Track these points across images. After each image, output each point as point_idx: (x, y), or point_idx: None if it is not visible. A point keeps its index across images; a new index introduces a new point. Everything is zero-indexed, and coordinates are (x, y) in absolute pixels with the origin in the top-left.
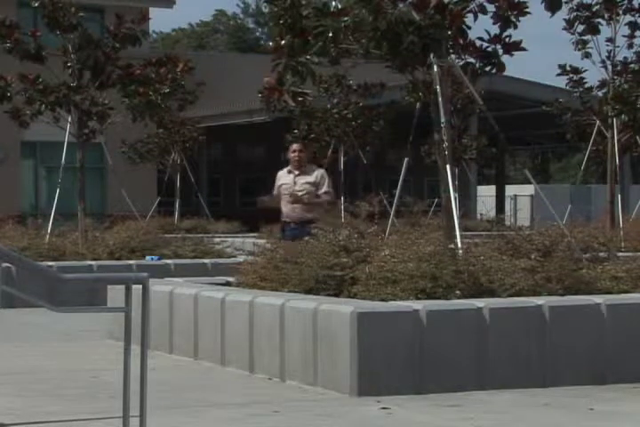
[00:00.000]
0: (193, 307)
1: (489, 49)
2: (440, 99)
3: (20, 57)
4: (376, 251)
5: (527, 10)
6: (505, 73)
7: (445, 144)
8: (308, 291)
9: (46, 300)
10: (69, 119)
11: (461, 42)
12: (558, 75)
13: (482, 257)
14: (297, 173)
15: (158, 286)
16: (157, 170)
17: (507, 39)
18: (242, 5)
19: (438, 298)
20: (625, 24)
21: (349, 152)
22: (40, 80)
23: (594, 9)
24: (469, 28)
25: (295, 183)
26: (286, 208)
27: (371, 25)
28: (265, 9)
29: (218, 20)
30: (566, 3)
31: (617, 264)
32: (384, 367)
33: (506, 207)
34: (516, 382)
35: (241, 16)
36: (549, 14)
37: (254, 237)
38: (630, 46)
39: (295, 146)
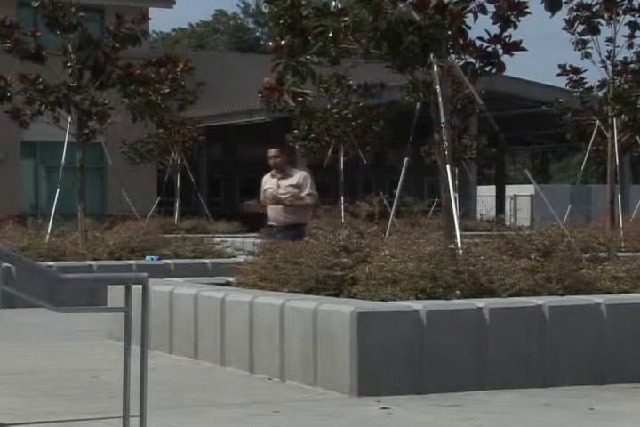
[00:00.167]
0: (193, 307)
1: (489, 49)
2: (440, 99)
3: (20, 57)
4: (376, 251)
5: (527, 10)
6: (505, 73)
7: (445, 144)
8: (308, 291)
9: (46, 300)
10: (69, 119)
11: (461, 42)
12: (558, 75)
13: (482, 257)
14: (279, 176)
15: (158, 286)
16: (157, 170)
17: (507, 39)
18: (242, 5)
19: (438, 298)
20: (625, 24)
21: (349, 152)
22: (40, 80)
23: (594, 9)
24: (469, 28)
25: (279, 186)
26: (272, 212)
27: (371, 25)
28: (265, 9)
29: (218, 20)
30: (566, 3)
31: (617, 264)
32: (384, 367)
33: (506, 207)
34: (516, 382)
35: (241, 16)
36: (549, 14)
37: (254, 237)
38: (630, 46)
39: (272, 151)
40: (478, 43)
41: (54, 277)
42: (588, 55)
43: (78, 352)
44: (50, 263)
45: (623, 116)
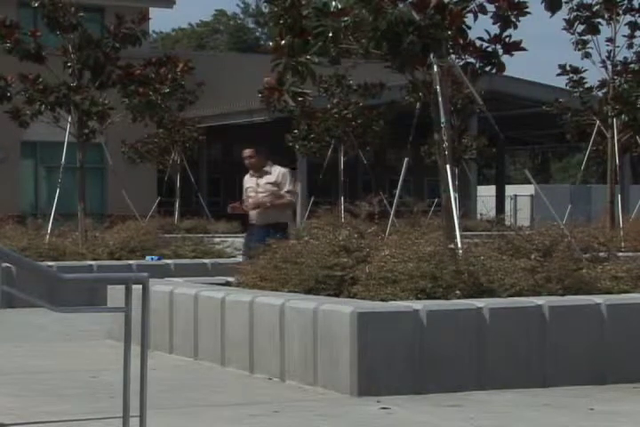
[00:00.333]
0: (193, 307)
1: (489, 49)
2: (440, 99)
3: (20, 57)
4: (376, 251)
5: (527, 10)
6: (505, 73)
7: (445, 144)
8: (308, 291)
9: (46, 300)
10: (69, 119)
11: (461, 42)
12: (558, 75)
13: (482, 257)
14: (258, 175)
15: (158, 286)
16: (157, 170)
17: (507, 39)
18: (242, 5)
19: (438, 298)
20: (625, 24)
21: (349, 152)
22: (40, 80)
23: (594, 9)
24: (469, 28)
25: (258, 185)
26: (252, 211)
27: (371, 25)
28: (265, 9)
29: (218, 20)
30: (566, 3)
31: (617, 264)
32: (384, 367)
33: (506, 207)
34: (516, 382)
35: (241, 16)
36: (549, 14)
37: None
38: (630, 46)
39: (246, 152)
40: (478, 43)
41: (54, 277)
42: (587, 55)
43: (78, 352)
44: (50, 263)
45: (623, 116)
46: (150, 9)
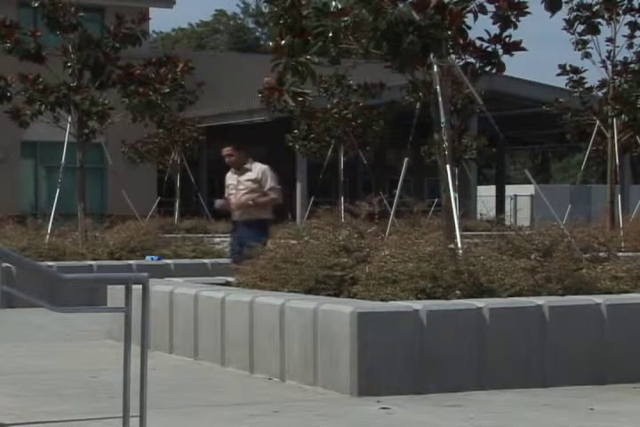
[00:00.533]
0: (193, 307)
1: (489, 49)
2: (440, 99)
3: (20, 57)
4: (376, 251)
5: (527, 10)
6: (505, 73)
7: (445, 144)
8: (308, 291)
9: (46, 300)
10: (69, 119)
11: (461, 42)
12: (558, 75)
13: (482, 257)
14: (238, 172)
15: (158, 286)
16: (157, 170)
17: (507, 39)
18: (242, 5)
19: (438, 298)
20: (625, 24)
21: (349, 152)
22: (40, 80)
23: (594, 9)
24: (469, 28)
25: (239, 182)
26: (233, 209)
27: (371, 25)
28: (265, 9)
29: (218, 20)
30: (566, 3)
31: (617, 264)
32: (384, 367)
33: (506, 207)
34: (516, 382)
35: (241, 16)
36: (549, 14)
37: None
38: (630, 46)
39: (224, 150)
40: (478, 43)
41: (54, 277)
42: (587, 55)
43: (78, 352)
44: (50, 263)
45: (623, 116)
46: (150, 9)
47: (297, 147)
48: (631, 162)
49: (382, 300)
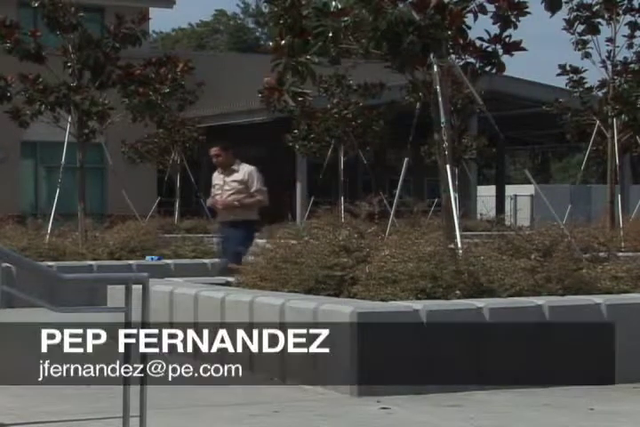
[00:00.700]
0: (193, 307)
1: (489, 49)
2: (440, 99)
3: (20, 57)
4: (376, 251)
5: (527, 10)
6: (505, 73)
7: (445, 144)
8: (308, 291)
9: (46, 300)
10: (69, 119)
11: (461, 42)
12: (558, 75)
13: (482, 257)
14: (225, 172)
15: (158, 286)
16: (157, 170)
17: (507, 39)
18: (242, 5)
19: (438, 298)
20: (625, 24)
21: (349, 152)
22: (40, 80)
23: (594, 9)
24: (469, 28)
25: (225, 182)
26: (219, 209)
27: (371, 25)
28: (265, 9)
29: (218, 20)
30: (566, 3)
31: (617, 264)
32: (384, 367)
33: (506, 207)
34: (516, 382)
35: (241, 16)
36: (549, 14)
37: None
38: (630, 46)
39: (212, 150)
40: (478, 43)
41: (54, 277)
42: (587, 55)
43: None
44: (50, 263)
45: (623, 116)
46: (150, 9)
47: (297, 147)
48: (631, 162)
49: (382, 300)
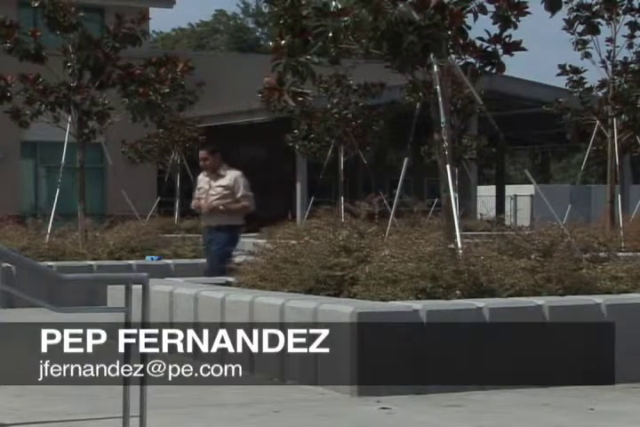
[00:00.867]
0: (193, 307)
1: (489, 49)
2: (440, 99)
3: (20, 57)
4: (376, 251)
5: (527, 10)
6: (505, 73)
7: (445, 144)
8: (308, 291)
9: (46, 300)
10: (69, 119)
11: (461, 42)
12: (558, 75)
13: (482, 257)
14: (212, 176)
15: (158, 286)
16: (157, 170)
17: (507, 39)
18: (242, 5)
19: (438, 298)
20: (625, 24)
21: (349, 152)
22: (40, 80)
23: (594, 9)
24: (469, 28)
25: (210, 187)
26: (204, 213)
27: (371, 25)
28: (265, 9)
29: (218, 20)
30: (566, 3)
31: (617, 264)
32: (384, 367)
33: (506, 207)
34: (516, 382)
35: (241, 16)
36: (549, 14)
37: (254, 237)
38: (630, 46)
39: (201, 153)
40: (478, 43)
41: (54, 277)
42: (587, 55)
43: None
44: (50, 263)
45: (623, 116)
46: (150, 9)
47: (297, 147)
48: (631, 162)
49: (382, 300)
